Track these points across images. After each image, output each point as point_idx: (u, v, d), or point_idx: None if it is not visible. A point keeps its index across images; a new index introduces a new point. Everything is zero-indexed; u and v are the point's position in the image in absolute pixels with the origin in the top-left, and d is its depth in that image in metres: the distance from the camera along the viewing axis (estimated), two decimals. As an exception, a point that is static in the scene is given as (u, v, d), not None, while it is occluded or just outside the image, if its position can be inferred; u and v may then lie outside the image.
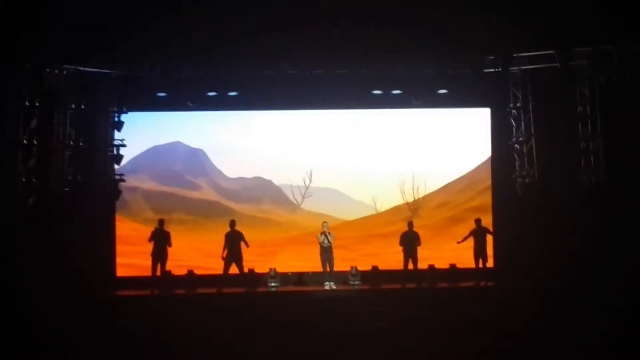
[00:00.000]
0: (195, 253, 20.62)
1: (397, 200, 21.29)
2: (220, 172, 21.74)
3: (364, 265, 20.06)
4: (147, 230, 19.71)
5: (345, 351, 15.03)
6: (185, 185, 21.68)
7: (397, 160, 21.01)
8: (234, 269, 19.03)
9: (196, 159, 21.69)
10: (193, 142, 21.38)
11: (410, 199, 21.20)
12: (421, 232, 19.97)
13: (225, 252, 18.98)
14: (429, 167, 21.00)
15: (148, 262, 19.16)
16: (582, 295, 16.57)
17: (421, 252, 19.68)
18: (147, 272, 19.10)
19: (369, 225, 21.42)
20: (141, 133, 20.34)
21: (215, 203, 21.71)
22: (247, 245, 19.16)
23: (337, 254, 19.37)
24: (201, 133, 21.26)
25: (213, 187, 21.78)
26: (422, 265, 19.57)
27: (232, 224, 19.36)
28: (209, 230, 21.10)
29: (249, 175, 21.73)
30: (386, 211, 21.40)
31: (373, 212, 21.36)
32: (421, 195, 21.20)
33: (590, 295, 16.44)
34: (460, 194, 21.29)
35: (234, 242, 19.07)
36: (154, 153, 21.17)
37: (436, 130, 20.90)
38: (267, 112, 20.70)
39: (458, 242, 19.50)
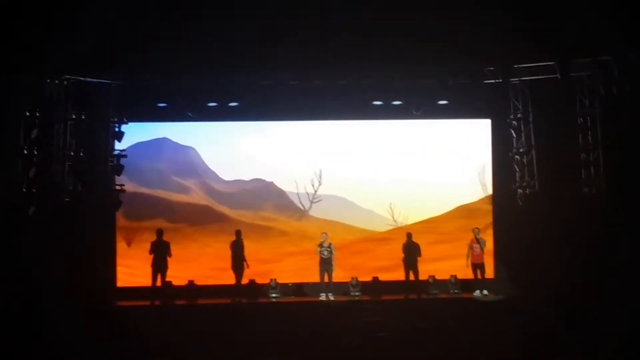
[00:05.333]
0: (174, 266, 18.66)
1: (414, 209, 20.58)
2: (214, 173, 20.43)
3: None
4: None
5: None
6: (170, 187, 20.21)
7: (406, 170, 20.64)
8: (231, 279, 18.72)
9: (185, 157, 20.38)
10: (183, 139, 20.36)
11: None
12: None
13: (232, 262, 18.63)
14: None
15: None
16: (583, 305, 16.56)
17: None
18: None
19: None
20: (125, 128, 18.85)
21: (205, 208, 20.30)
22: (246, 262, 18.70)
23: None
24: (193, 130, 20.27)
25: (204, 190, 20.35)
26: (423, 276, 19.43)
27: (238, 233, 18.93)
28: (194, 240, 19.83)
29: (247, 177, 20.51)
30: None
31: (391, 221, 20.46)
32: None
33: (591, 306, 16.43)
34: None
35: (239, 252, 18.72)
36: (137, 150, 19.68)
37: (439, 141, 20.78)
38: (268, 123, 20.45)
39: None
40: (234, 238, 19.03)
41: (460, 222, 20.38)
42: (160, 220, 19.75)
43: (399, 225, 20.50)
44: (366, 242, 20.58)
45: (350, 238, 20.43)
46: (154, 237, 18.77)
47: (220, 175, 20.52)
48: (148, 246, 18.64)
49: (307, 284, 19.73)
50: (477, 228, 19.32)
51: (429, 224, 20.50)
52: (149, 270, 18.50)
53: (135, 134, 19.58)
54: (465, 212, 20.61)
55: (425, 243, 19.73)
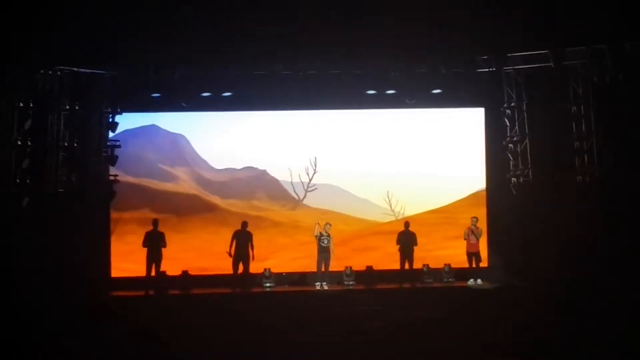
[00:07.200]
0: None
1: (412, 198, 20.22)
2: (204, 161, 19.91)
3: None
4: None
5: (340, 351, 15.08)
6: (157, 175, 19.63)
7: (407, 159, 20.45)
8: (227, 269, 18.54)
9: (174, 145, 19.84)
10: (172, 126, 19.91)
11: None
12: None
13: (232, 251, 18.38)
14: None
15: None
16: (577, 294, 16.60)
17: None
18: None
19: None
20: (117, 117, 18.62)
21: (193, 197, 19.70)
22: (252, 250, 18.38)
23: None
24: (182, 118, 19.93)
25: (193, 179, 19.76)
26: (417, 265, 19.39)
27: (244, 224, 18.65)
28: (180, 231, 19.25)
29: (239, 165, 20.00)
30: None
31: (389, 211, 20.13)
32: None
33: (585, 294, 16.47)
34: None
35: (242, 242, 18.48)
36: (123, 137, 19.13)
37: (432, 130, 20.67)
38: (262, 112, 20.31)
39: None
40: (224, 229, 18.87)
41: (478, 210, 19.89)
42: (145, 211, 19.39)
43: (398, 216, 20.38)
44: (372, 235, 20.35)
45: (346, 229, 20.20)
46: (138, 229, 18.74)
47: (211, 164, 20.07)
48: (132, 239, 18.65)
49: (302, 273, 19.75)
50: (475, 217, 19.27)
51: (444, 214, 20.36)
52: (130, 265, 18.58)
53: (123, 121, 19.20)
54: (481, 199, 20.35)
55: (445, 237, 20.03)
